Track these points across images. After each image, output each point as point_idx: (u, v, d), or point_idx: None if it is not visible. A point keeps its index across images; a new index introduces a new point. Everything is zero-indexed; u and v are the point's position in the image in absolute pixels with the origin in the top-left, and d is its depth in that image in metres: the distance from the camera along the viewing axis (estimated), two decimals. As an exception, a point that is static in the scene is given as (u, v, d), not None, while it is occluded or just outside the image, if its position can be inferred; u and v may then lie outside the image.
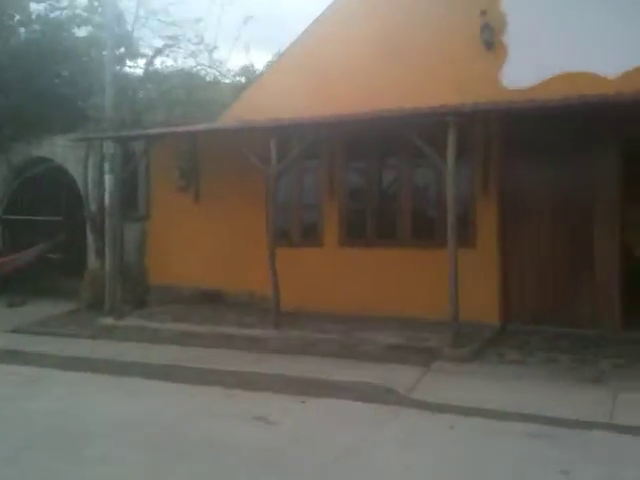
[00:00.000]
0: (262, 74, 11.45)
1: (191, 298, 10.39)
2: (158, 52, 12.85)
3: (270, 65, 10.92)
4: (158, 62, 13.16)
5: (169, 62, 13.26)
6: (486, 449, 5.04)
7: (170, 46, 12.67)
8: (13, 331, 9.88)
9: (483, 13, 8.64)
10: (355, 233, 9.73)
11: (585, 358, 7.23)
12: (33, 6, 13.68)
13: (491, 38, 8.71)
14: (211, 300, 10.27)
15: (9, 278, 12.63)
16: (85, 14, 13.78)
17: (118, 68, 11.97)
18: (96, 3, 13.23)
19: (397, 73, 9.12)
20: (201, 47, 12.81)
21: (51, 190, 12.94)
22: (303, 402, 6.28)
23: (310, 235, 10.06)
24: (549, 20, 8.41)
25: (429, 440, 5.27)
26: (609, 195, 8.42)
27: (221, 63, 13.35)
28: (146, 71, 12.78)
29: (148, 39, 13.38)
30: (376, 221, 9.67)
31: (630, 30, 7.95)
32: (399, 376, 6.79)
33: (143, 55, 13.51)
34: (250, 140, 8.87)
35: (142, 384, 7.08)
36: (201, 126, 9.56)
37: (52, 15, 13.59)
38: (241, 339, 8.33)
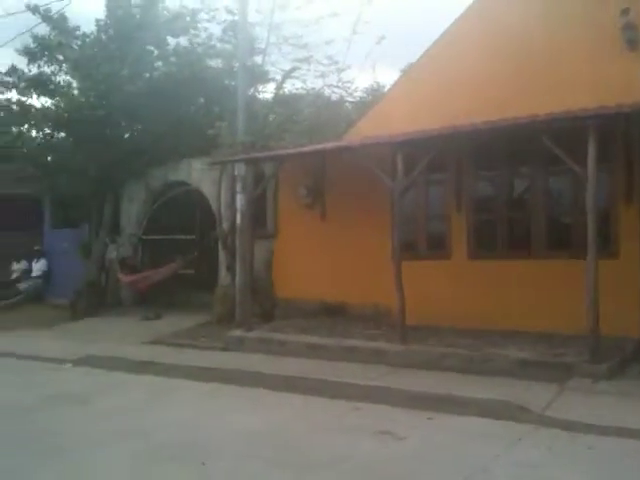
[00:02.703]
0: (388, 91, 11.45)
1: (316, 311, 10.46)
2: (287, 76, 13.18)
3: (396, 81, 10.89)
4: (288, 85, 13.53)
5: (298, 84, 13.61)
6: (629, 471, 4.61)
7: (298, 68, 12.95)
8: (148, 343, 10.40)
9: (625, 12, 8.16)
10: (485, 245, 9.40)
11: None
12: (170, 40, 14.58)
13: (634, 37, 8.19)
14: (335, 313, 10.28)
15: (145, 293, 13.40)
16: (218, 45, 14.46)
17: (249, 93, 12.42)
18: (230, 33, 13.84)
19: (528, 79, 8.77)
20: (331, 68, 13.02)
21: (186, 211, 13.62)
22: (430, 418, 6.04)
23: (437, 248, 9.81)
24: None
25: (566, 461, 4.86)
26: None
27: (349, 82, 13.50)
28: (276, 95, 13.18)
29: (279, 64, 13.76)
30: (507, 232, 9.29)
31: None
32: (532, 393, 6.39)
33: (273, 80, 13.95)
34: (376, 156, 8.84)
35: (270, 395, 7.14)
36: (327, 145, 9.65)
37: (187, 47, 14.38)
38: (366, 352, 8.23)
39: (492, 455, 4.97)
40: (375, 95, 13.71)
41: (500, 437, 5.43)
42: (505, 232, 9.30)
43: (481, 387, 6.72)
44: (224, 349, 9.45)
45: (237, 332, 9.72)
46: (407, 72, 10.90)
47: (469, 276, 9.21)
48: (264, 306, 10.91)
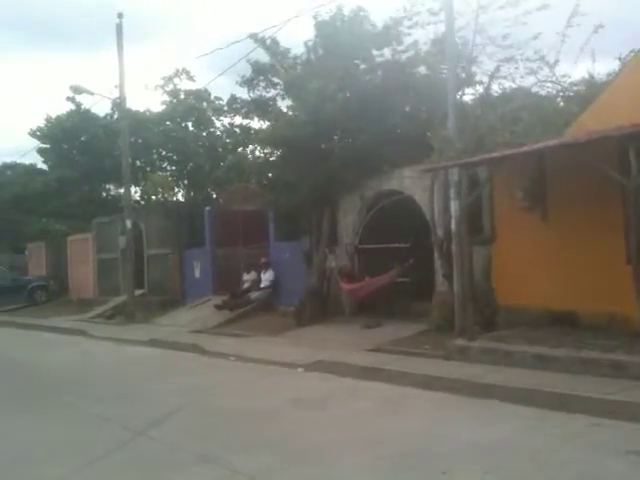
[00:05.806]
0: (610, 81, 10.65)
1: (541, 320, 9.96)
2: (493, 76, 12.86)
3: (620, 69, 10.10)
4: (496, 85, 13.18)
5: (507, 83, 13.19)
6: None
7: (508, 62, 12.55)
8: (371, 350, 10.70)
9: None
10: None
11: None
12: (375, 52, 14.95)
13: None
14: (563, 322, 9.69)
15: (364, 302, 13.82)
16: (424, 48, 14.49)
17: (458, 97, 12.31)
18: (432, 36, 13.84)
19: None
20: (540, 63, 12.42)
21: (399, 219, 13.81)
22: (686, 438, 5.52)
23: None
24: None
25: None
26: None
27: (563, 76, 12.75)
28: (485, 96, 12.89)
29: (485, 64, 13.46)
30: None
31: None
32: None
33: (480, 82, 13.68)
34: (602, 151, 8.27)
35: (500, 407, 6.98)
36: (549, 142, 9.22)
37: (391, 58, 14.64)
38: (602, 365, 7.69)
39: None
40: (590, 87, 12.82)
41: None
42: None
43: None
44: (447, 358, 9.42)
45: (460, 341, 9.63)
46: (633, 59, 10.05)
47: None
48: (484, 314, 10.67)
